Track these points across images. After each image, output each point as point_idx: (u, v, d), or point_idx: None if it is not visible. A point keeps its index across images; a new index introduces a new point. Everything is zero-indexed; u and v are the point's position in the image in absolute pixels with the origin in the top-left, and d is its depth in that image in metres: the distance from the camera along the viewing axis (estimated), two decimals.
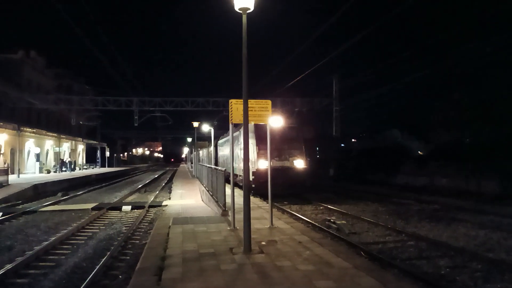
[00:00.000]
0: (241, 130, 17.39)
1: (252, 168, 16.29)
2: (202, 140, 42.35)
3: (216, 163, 26.40)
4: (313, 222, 11.66)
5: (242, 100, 7.33)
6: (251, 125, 15.41)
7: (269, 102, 8.84)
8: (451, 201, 16.45)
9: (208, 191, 14.66)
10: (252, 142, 16.92)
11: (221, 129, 38.09)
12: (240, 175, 19.92)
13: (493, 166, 18.97)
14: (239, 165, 20.50)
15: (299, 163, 17.50)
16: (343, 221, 11.42)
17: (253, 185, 16.09)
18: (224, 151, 25.73)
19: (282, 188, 15.96)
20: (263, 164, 16.57)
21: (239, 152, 19.88)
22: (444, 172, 22.10)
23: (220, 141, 27.99)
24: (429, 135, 31.29)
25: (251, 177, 15.89)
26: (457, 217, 12.60)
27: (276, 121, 15.28)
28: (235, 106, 8.48)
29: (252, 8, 6.93)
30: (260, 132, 16.62)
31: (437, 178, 22.44)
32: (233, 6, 6.94)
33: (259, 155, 17.15)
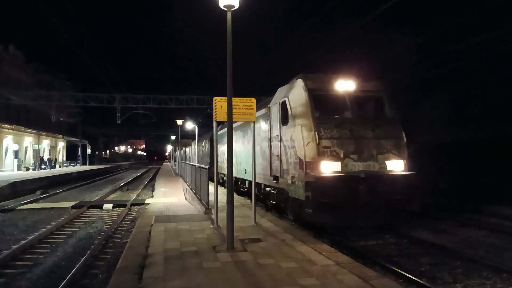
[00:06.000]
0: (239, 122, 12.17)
1: (304, 176, 8.48)
2: (186, 137, 42.07)
3: (212, 161, 21.29)
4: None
5: (226, 98, 7.29)
6: (299, 86, 9.29)
7: (254, 100, 8.82)
8: (435, 201, 16.68)
9: (191, 189, 14.56)
10: (303, 123, 8.85)
11: (205, 127, 37.95)
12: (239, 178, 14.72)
13: (473, 165, 19.35)
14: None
15: (398, 165, 8.99)
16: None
17: (310, 210, 8.22)
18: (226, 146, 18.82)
19: (363, 214, 8.39)
20: (329, 168, 8.45)
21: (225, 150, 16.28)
22: (427, 171, 22.38)
23: (220, 133, 19.11)
24: (412, 134, 31.70)
25: (303, 193, 8.42)
26: (438, 216, 12.81)
27: (344, 85, 9.17)
28: (219, 104, 8.44)
29: (237, 6, 6.92)
30: (322, 99, 9.15)
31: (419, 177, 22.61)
32: (218, 3, 6.90)
33: (320, 148, 8.51)
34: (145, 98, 35.69)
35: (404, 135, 9.40)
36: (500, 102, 23.17)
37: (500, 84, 23.34)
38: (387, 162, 8.94)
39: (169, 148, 76.36)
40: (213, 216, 9.04)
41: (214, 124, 9.06)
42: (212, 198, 9.62)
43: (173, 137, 54.41)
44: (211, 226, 8.81)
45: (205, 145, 25.93)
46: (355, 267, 5.74)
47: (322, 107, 9.14)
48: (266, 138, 11.04)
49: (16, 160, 36.56)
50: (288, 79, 10.39)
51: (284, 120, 9.72)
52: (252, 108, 8.71)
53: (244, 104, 8.65)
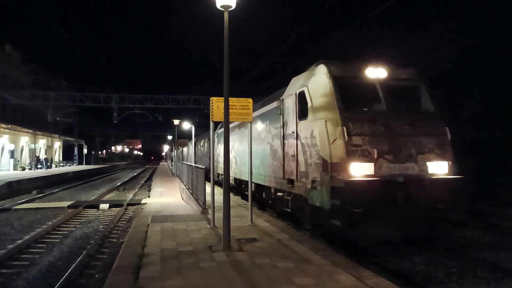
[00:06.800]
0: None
1: (329, 180, 7.11)
2: (183, 137, 42.06)
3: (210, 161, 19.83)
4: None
5: (223, 98, 7.31)
6: (321, 73, 7.99)
7: (251, 100, 8.83)
8: None
9: (188, 189, 14.57)
10: (327, 116, 7.50)
11: (202, 127, 37.97)
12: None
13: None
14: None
15: (441, 168, 7.73)
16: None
17: (337, 221, 6.98)
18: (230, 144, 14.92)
19: (400, 226, 7.13)
20: (360, 170, 7.19)
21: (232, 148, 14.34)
22: None
23: (220, 131, 18.43)
24: None
25: (328, 201, 7.06)
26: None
27: (374, 72, 8.05)
28: (216, 104, 8.46)
29: (234, 6, 6.93)
30: (349, 88, 7.85)
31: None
32: (215, 4, 6.92)
33: (349, 147, 7.23)
34: (142, 98, 35.68)
35: (448, 131, 8.03)
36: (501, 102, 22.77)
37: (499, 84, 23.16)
38: (428, 163, 7.62)
39: (166, 148, 76.29)
40: (210, 216, 9.06)
41: (211, 124, 9.07)
42: (208, 198, 9.63)
43: (169, 137, 54.37)
44: (208, 226, 8.82)
45: (204, 144, 25.40)
46: (351, 266, 5.77)
47: (350, 98, 7.72)
48: (278, 135, 9.74)
49: (12, 159, 36.42)
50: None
51: (302, 113, 8.37)
52: (249, 108, 8.72)
53: (241, 104, 8.67)
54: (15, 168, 35.74)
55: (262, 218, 9.89)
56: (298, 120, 8.60)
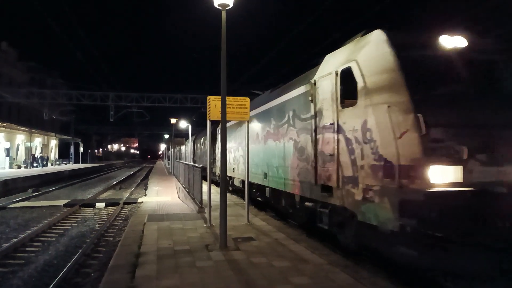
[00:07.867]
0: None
1: (397, 189, 5.17)
2: (180, 136, 42.00)
3: (211, 160, 18.83)
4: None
5: (220, 97, 7.30)
6: (378, 41, 6.00)
7: (248, 99, 8.84)
8: None
9: (184, 188, 14.55)
10: (390, 100, 5.46)
11: (199, 126, 37.93)
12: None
13: None
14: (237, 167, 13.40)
15: None
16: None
17: (413, 250, 5.08)
18: (234, 142, 14.31)
19: (495, 255, 4.85)
20: (444, 176, 5.04)
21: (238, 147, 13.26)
22: None
23: (228, 125, 12.77)
24: None
25: (393, 219, 5.19)
26: None
27: (452, 42, 6.09)
28: (213, 103, 8.45)
29: (231, 5, 6.92)
30: (419, 62, 5.74)
31: None
32: (212, 2, 6.91)
33: (427, 143, 5.06)
34: (138, 97, 35.60)
35: None
36: None
37: None
38: None
39: (163, 147, 76.19)
40: (206, 215, 9.05)
41: (208, 123, 9.06)
42: (205, 197, 9.63)
43: (166, 136, 54.31)
44: (204, 225, 8.81)
45: (204, 142, 24.72)
46: (348, 266, 5.77)
47: (420, 75, 5.67)
48: (307, 128, 7.79)
49: (8, 158, 36.24)
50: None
51: (347, 98, 6.42)
52: (246, 107, 8.74)
53: (238, 103, 8.68)
54: (10, 167, 35.57)
55: (258, 217, 9.89)
56: (340, 107, 6.57)
